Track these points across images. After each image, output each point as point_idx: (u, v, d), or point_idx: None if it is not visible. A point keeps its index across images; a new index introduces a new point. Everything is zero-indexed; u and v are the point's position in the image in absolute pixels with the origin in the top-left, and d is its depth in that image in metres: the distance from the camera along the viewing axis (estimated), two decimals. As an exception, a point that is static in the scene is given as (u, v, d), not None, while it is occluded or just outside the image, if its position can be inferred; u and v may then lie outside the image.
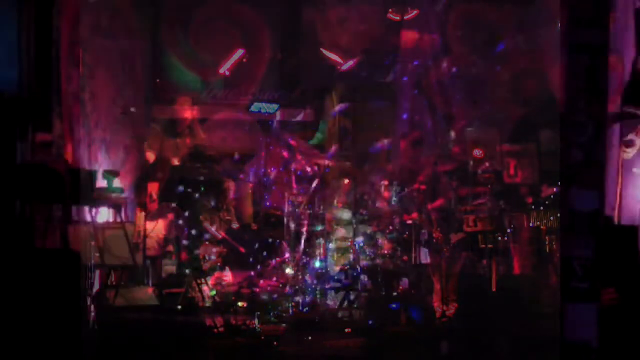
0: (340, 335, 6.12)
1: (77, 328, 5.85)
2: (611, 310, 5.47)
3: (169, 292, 6.57)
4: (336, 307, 6.91)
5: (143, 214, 7.83)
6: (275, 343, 5.89)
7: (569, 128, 4.11)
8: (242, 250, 8.29)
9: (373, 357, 5.85)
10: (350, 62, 9.84)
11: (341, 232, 7.83)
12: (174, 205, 7.73)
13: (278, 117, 10.03)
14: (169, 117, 8.90)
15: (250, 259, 8.13)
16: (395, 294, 6.85)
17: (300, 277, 7.47)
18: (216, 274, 7.84)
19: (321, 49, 9.96)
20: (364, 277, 7.16)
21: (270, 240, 8.30)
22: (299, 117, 10.20)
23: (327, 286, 7.15)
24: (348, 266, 7.24)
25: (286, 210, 7.93)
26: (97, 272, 7.06)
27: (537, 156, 7.44)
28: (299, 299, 6.86)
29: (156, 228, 7.91)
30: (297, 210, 7.84)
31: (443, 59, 9.64)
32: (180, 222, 7.60)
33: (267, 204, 9.08)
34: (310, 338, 5.99)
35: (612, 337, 4.66)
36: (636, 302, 5.82)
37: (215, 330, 6.10)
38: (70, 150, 8.14)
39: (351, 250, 7.55)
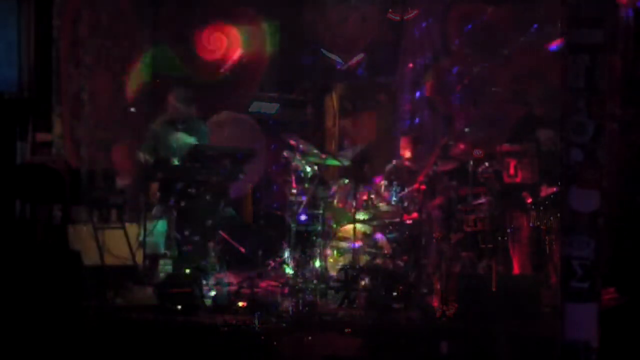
0: (340, 335, 6.11)
1: (77, 328, 5.85)
2: (611, 310, 5.48)
3: (170, 292, 6.57)
4: (336, 307, 6.91)
5: (143, 213, 7.82)
6: (275, 343, 5.89)
7: (569, 128, 4.12)
8: (242, 250, 8.29)
9: (373, 357, 5.85)
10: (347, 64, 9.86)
11: (340, 231, 7.82)
12: (173, 204, 7.72)
13: (278, 116, 10.03)
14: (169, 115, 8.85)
15: (250, 259, 8.14)
16: (395, 294, 6.84)
17: (300, 277, 7.46)
18: (216, 274, 7.83)
19: (321, 49, 9.96)
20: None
21: (270, 240, 8.30)
22: (300, 117, 10.19)
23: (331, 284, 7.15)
24: (349, 266, 7.23)
25: (286, 210, 7.92)
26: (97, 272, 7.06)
27: (537, 156, 7.43)
28: (298, 298, 6.85)
29: (156, 228, 7.91)
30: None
31: (443, 59, 9.65)
32: (180, 221, 7.60)
33: (268, 203, 9.10)
34: (310, 338, 5.99)
35: (612, 337, 4.66)
36: (637, 302, 5.83)
37: (215, 330, 6.10)
38: (70, 150, 8.15)
39: (350, 250, 7.55)
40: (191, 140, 7.79)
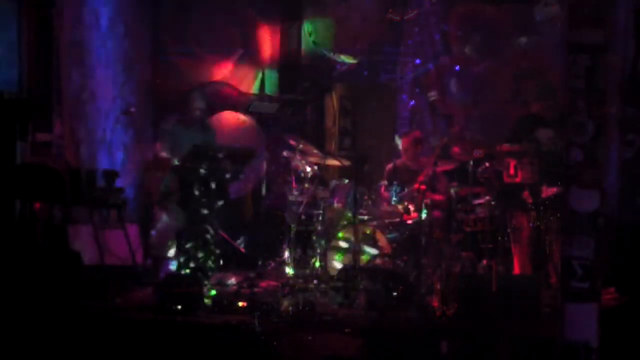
0: (340, 335, 6.11)
1: (77, 328, 5.86)
2: (611, 310, 5.48)
3: (170, 292, 6.57)
4: (336, 307, 6.90)
5: (143, 212, 7.84)
6: (275, 343, 5.89)
7: (569, 128, 4.12)
8: (242, 250, 8.30)
9: (373, 357, 5.85)
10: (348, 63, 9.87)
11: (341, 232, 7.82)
12: (174, 205, 7.73)
13: (278, 116, 10.02)
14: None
15: (250, 259, 8.14)
16: (395, 294, 6.83)
17: (300, 277, 7.46)
18: (216, 274, 7.83)
19: (323, 50, 9.96)
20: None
21: (270, 240, 8.30)
22: (300, 117, 10.19)
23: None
24: (349, 266, 7.23)
25: (286, 210, 7.92)
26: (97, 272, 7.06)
27: (537, 156, 7.43)
28: (298, 298, 6.85)
29: (157, 227, 7.91)
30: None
31: (443, 59, 9.66)
32: (181, 221, 7.60)
33: (268, 203, 9.10)
34: (310, 338, 5.98)
35: (612, 337, 4.66)
36: (637, 302, 5.84)
37: (215, 330, 6.10)
38: (70, 150, 8.15)
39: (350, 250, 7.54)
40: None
